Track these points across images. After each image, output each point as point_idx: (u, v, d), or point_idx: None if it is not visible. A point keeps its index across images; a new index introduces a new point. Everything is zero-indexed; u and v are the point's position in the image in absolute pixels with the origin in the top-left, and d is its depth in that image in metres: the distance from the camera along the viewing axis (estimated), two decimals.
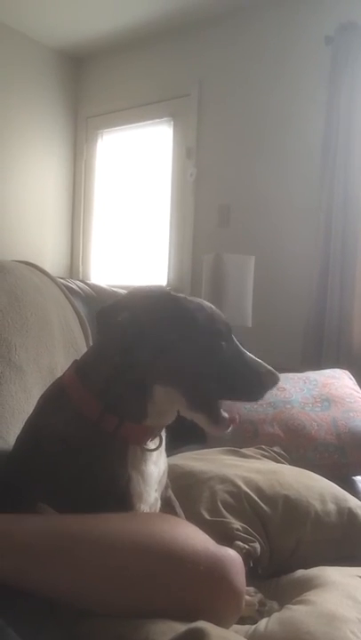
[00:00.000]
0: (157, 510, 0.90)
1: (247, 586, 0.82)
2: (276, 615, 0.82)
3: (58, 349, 1.20)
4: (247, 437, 1.58)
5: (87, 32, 3.85)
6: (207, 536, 0.79)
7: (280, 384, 1.83)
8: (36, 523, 0.75)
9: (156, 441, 0.86)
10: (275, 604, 0.89)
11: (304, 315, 3.07)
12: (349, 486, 1.41)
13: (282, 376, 2.01)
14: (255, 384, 0.82)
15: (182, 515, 0.97)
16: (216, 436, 1.03)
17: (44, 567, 0.70)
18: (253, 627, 0.81)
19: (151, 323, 0.80)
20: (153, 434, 0.85)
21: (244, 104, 3.46)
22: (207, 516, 1.06)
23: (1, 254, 3.49)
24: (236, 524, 1.06)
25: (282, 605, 0.87)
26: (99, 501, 0.77)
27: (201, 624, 0.65)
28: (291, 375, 1.87)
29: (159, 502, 0.91)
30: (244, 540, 1.03)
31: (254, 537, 1.06)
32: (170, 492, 0.97)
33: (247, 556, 1.00)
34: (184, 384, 0.81)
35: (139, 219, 4.00)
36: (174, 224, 3.80)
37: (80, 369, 0.86)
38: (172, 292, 0.86)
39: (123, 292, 1.71)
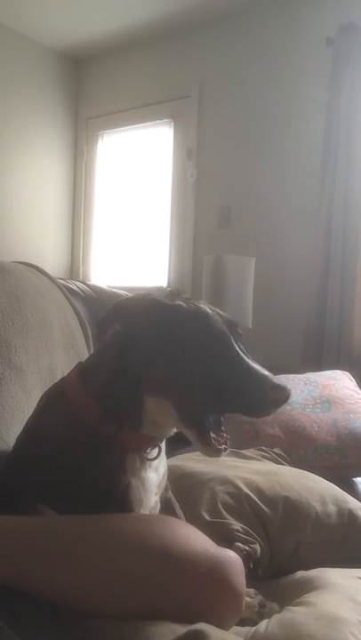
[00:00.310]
0: (157, 512, 0.90)
1: (247, 587, 0.82)
2: (276, 617, 0.82)
3: (58, 350, 1.20)
4: (248, 439, 1.58)
5: (88, 33, 3.85)
6: (207, 537, 0.79)
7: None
8: (36, 524, 0.75)
9: (156, 450, 0.85)
10: (275, 606, 0.89)
11: (304, 316, 3.07)
12: (350, 488, 1.41)
13: (282, 377, 2.01)
14: (258, 399, 0.75)
15: (182, 516, 0.97)
16: None
17: (45, 568, 0.70)
18: (253, 628, 0.81)
19: (141, 332, 0.79)
20: (152, 443, 0.83)
21: (244, 105, 3.46)
22: (207, 517, 1.06)
23: (1, 255, 3.49)
24: (237, 526, 1.06)
25: (282, 607, 0.87)
26: (98, 505, 0.77)
27: (201, 626, 0.65)
28: (291, 376, 1.87)
29: (159, 505, 0.91)
30: (245, 542, 1.03)
31: (255, 538, 1.05)
32: (170, 494, 0.97)
33: (247, 557, 1.00)
34: (173, 395, 0.78)
35: (139, 220, 4.00)
36: (175, 225, 3.80)
37: (82, 372, 0.86)
38: (165, 299, 0.82)
39: (123, 292, 1.71)
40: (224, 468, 1.21)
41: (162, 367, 0.78)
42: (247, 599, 0.85)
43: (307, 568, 1.01)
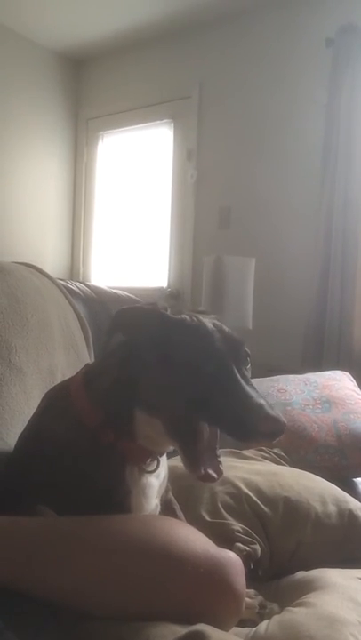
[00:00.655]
0: (157, 513, 0.90)
1: (247, 588, 0.82)
2: (276, 618, 0.81)
3: (58, 351, 1.20)
4: None
5: (88, 34, 3.86)
6: (207, 538, 0.79)
7: (280, 386, 1.83)
8: (36, 525, 0.75)
9: (155, 463, 0.84)
10: (275, 607, 0.89)
11: (305, 316, 3.06)
12: (350, 488, 1.41)
13: (282, 378, 2.01)
14: (246, 428, 0.70)
15: (182, 517, 0.97)
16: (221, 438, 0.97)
17: (44, 569, 0.70)
18: (254, 629, 0.81)
19: (138, 344, 0.78)
20: (152, 456, 0.83)
21: (244, 106, 3.46)
22: (207, 518, 1.06)
23: (1, 256, 3.49)
24: (237, 526, 1.06)
25: (282, 608, 0.87)
26: (98, 507, 0.77)
27: (201, 627, 0.65)
28: (291, 377, 1.87)
29: (159, 507, 0.91)
30: (245, 542, 1.03)
31: (255, 539, 1.05)
32: (170, 495, 0.97)
33: (247, 557, 1.00)
34: (161, 412, 0.76)
35: (139, 220, 4.00)
36: (175, 226, 3.80)
37: (87, 375, 0.86)
38: (169, 312, 0.80)
39: (123, 293, 1.71)
40: (224, 468, 1.21)
41: (153, 382, 0.77)
42: (247, 600, 0.85)
43: (307, 568, 1.01)
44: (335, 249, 2.95)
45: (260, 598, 0.91)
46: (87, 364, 0.90)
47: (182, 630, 0.65)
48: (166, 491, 0.95)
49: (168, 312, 0.80)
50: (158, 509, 0.90)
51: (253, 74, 3.42)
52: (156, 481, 0.86)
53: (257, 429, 0.69)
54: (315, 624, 0.76)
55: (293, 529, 1.09)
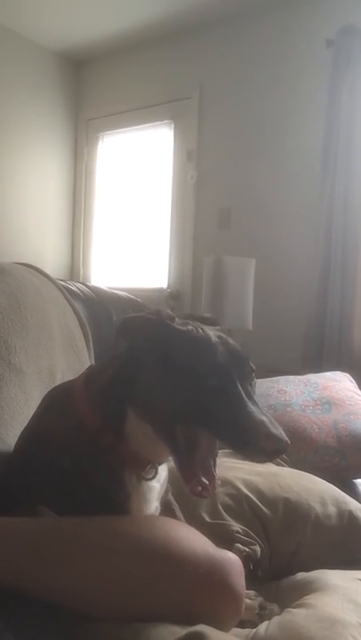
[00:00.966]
0: (157, 514, 0.90)
1: (247, 589, 0.82)
2: (276, 619, 0.81)
3: (58, 351, 1.20)
4: None
5: (88, 35, 3.86)
6: (207, 539, 0.79)
7: (281, 387, 1.83)
8: (36, 525, 0.75)
9: (153, 470, 0.83)
10: (275, 608, 0.89)
11: (305, 317, 3.06)
12: (350, 489, 1.41)
13: (282, 378, 2.00)
14: (249, 446, 0.69)
15: (182, 518, 0.97)
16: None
17: (44, 570, 0.70)
18: (254, 630, 0.80)
19: (141, 353, 0.78)
20: (150, 463, 0.82)
21: (244, 107, 3.46)
22: (207, 519, 1.06)
23: (1, 256, 3.49)
24: (237, 527, 1.06)
25: (282, 609, 0.87)
26: (97, 508, 0.77)
27: (201, 628, 0.65)
28: (291, 378, 1.87)
29: (159, 508, 0.90)
30: (245, 543, 1.03)
31: (255, 540, 1.05)
32: (170, 496, 0.97)
33: (247, 558, 1.00)
34: (152, 413, 0.76)
35: (139, 221, 4.00)
36: (175, 226, 3.80)
37: (88, 377, 0.86)
38: (175, 322, 0.79)
39: (123, 294, 1.71)
40: (224, 470, 1.21)
41: (150, 385, 0.76)
42: (247, 601, 0.85)
43: (307, 569, 1.01)
44: (335, 249, 2.95)
45: (259, 599, 0.91)
46: (90, 366, 0.90)
47: (182, 631, 0.65)
48: (166, 492, 0.95)
49: (174, 321, 0.79)
50: (158, 511, 0.90)
51: (254, 75, 3.42)
52: (156, 484, 0.86)
53: (261, 447, 0.68)
54: (315, 625, 0.75)
55: (293, 530, 1.09)
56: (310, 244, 3.08)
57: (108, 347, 1.35)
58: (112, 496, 0.79)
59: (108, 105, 4.08)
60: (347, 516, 1.14)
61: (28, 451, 0.87)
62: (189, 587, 0.70)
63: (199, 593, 0.71)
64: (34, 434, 0.88)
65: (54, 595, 0.69)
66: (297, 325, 3.09)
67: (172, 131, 3.83)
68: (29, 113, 3.96)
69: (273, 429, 0.68)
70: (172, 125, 3.82)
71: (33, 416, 0.91)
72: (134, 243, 4.01)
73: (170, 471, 0.93)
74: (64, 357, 1.22)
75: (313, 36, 3.14)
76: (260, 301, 2.90)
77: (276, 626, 0.79)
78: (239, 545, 1.02)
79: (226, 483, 1.14)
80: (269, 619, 0.83)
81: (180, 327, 0.78)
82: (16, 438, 0.92)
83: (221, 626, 0.70)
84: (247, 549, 1.02)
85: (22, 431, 0.92)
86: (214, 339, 0.77)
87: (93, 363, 1.35)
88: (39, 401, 0.94)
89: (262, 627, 0.80)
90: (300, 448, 1.57)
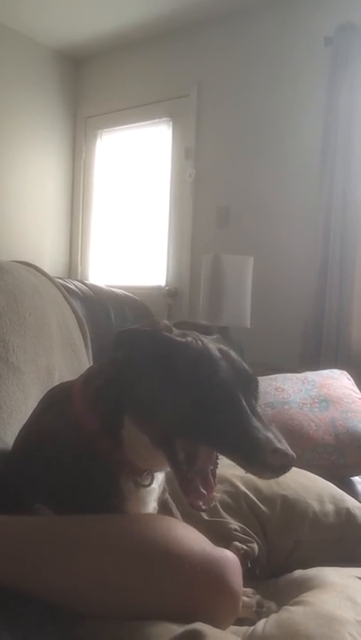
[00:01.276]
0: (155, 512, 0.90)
1: (245, 587, 0.82)
2: (273, 616, 0.81)
3: (56, 350, 1.20)
4: None
5: (86, 32, 3.85)
6: (204, 537, 0.79)
7: (278, 384, 1.83)
8: (34, 524, 0.75)
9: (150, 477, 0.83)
10: (273, 605, 0.89)
11: (303, 315, 3.07)
12: (347, 487, 1.41)
13: (280, 376, 2.00)
14: (255, 462, 0.68)
15: (179, 516, 0.97)
16: None
17: (42, 569, 0.70)
18: (251, 628, 0.80)
19: (139, 366, 0.76)
20: (147, 470, 0.82)
21: (243, 105, 3.45)
22: (205, 517, 1.06)
23: None
24: (234, 525, 1.06)
25: (280, 606, 0.87)
26: (95, 507, 0.77)
27: (198, 625, 0.65)
28: (289, 375, 1.87)
29: (157, 508, 0.90)
30: (242, 541, 1.03)
31: (252, 537, 1.05)
32: (167, 495, 0.97)
33: (245, 556, 1.00)
34: (148, 420, 0.75)
35: (137, 219, 3.99)
36: (173, 224, 3.80)
37: (87, 377, 0.85)
38: (174, 334, 0.77)
39: (121, 292, 1.71)
40: (221, 467, 1.21)
41: (148, 392, 0.75)
42: (245, 598, 0.85)
43: (305, 567, 1.01)
44: (334, 248, 2.95)
45: (257, 597, 0.91)
46: (89, 368, 0.89)
47: (180, 629, 0.65)
48: (163, 491, 0.95)
49: (172, 333, 0.78)
50: (155, 510, 0.90)
51: (252, 73, 3.41)
52: (155, 486, 0.85)
53: (268, 463, 0.67)
54: (312, 623, 0.76)
55: (291, 527, 1.09)
56: (309, 243, 3.08)
57: (105, 347, 1.35)
58: (108, 497, 0.79)
59: (107, 103, 4.08)
60: (344, 514, 1.14)
61: (27, 449, 0.87)
62: (187, 585, 0.71)
63: (197, 591, 0.71)
64: (33, 433, 0.88)
65: (52, 593, 0.70)
66: (295, 323, 3.09)
67: (171, 128, 3.82)
68: (28, 110, 3.95)
69: (279, 445, 0.67)
70: (171, 123, 3.82)
71: (32, 415, 0.91)
72: (132, 241, 4.01)
73: (166, 472, 0.93)
74: (62, 356, 1.22)
75: (311, 34, 3.13)
76: (258, 299, 2.90)
77: (273, 623, 0.79)
78: (237, 543, 1.02)
79: (224, 480, 1.14)
80: (267, 616, 0.83)
81: (180, 339, 0.77)
82: (14, 437, 0.92)
83: (219, 624, 0.70)
84: (245, 547, 1.02)
85: (21, 430, 0.92)
86: (216, 353, 0.75)
87: (91, 361, 1.36)
88: (37, 399, 0.94)
89: (260, 624, 0.80)
90: (297, 446, 1.57)
